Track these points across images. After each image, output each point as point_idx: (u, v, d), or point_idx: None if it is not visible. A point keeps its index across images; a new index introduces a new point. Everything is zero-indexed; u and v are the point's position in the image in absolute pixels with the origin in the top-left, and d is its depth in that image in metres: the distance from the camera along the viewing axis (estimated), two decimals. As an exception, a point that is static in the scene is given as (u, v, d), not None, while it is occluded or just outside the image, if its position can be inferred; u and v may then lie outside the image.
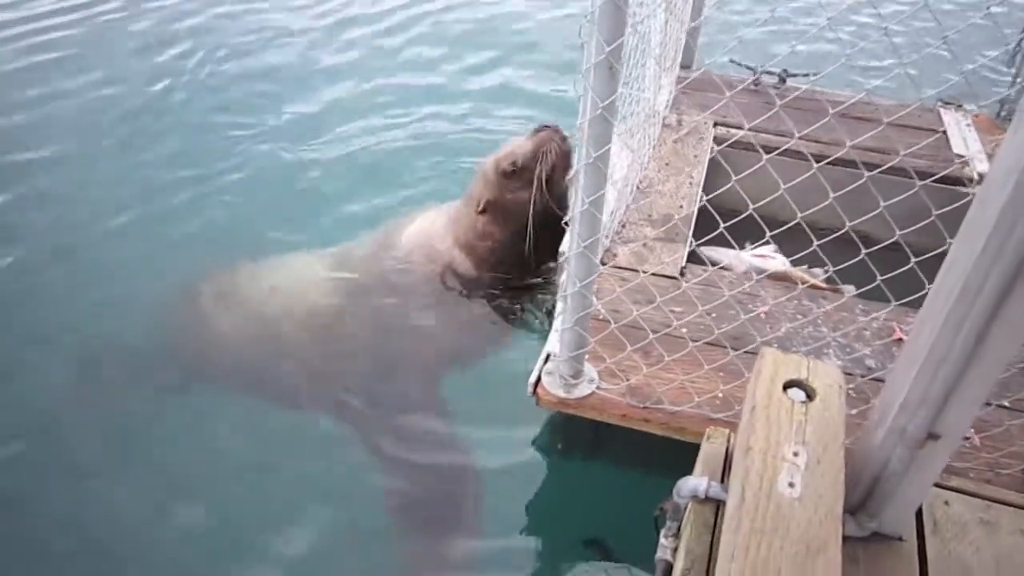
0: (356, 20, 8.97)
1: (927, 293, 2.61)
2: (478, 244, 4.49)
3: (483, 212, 4.44)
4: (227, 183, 6.06)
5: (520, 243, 4.41)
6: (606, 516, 3.80)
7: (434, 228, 4.66)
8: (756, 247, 4.28)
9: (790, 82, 5.67)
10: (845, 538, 1.86)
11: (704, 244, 3.27)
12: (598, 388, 3.38)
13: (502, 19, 9.21)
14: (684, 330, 3.51)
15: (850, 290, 3.90)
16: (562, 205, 4.35)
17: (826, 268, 2.88)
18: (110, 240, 5.35)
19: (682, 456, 3.29)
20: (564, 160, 4.34)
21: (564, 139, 4.34)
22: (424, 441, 3.99)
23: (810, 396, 2.10)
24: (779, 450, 1.94)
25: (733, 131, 5.22)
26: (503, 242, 4.48)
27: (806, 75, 5.68)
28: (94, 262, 5.16)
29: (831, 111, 2.77)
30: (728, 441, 2.51)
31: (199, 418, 4.19)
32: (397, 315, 4.43)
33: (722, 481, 2.34)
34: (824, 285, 4.21)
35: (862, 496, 2.19)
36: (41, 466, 3.90)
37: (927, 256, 2.67)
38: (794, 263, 4.08)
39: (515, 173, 4.34)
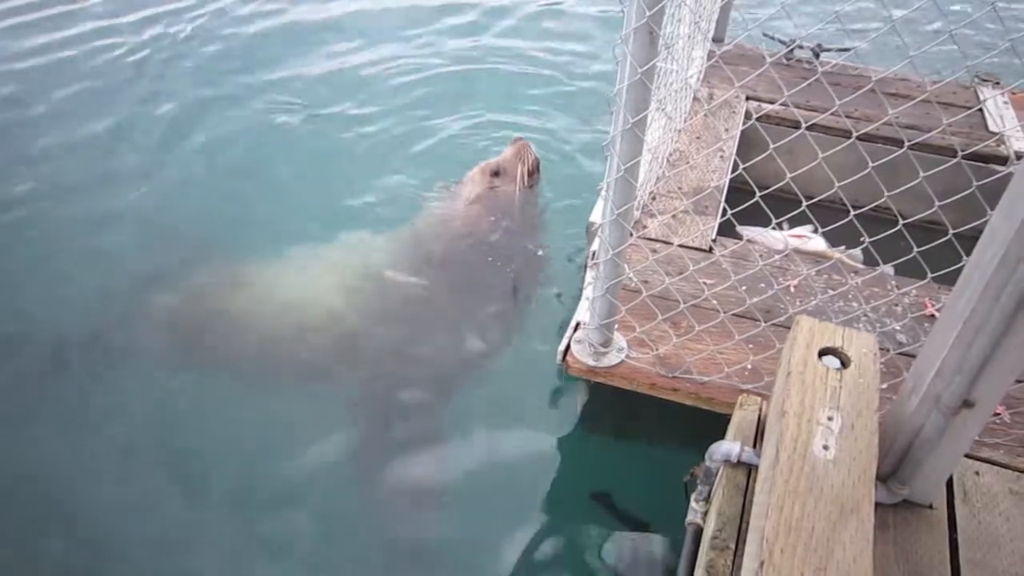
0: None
1: (960, 270, 2.63)
2: (469, 228, 5.24)
3: (473, 204, 5.36)
4: (247, 168, 6.10)
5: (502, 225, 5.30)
6: (628, 480, 3.84)
7: (432, 226, 5.31)
8: (787, 217, 4.28)
9: (824, 57, 5.62)
10: (876, 505, 1.87)
11: (739, 220, 3.25)
12: (627, 357, 3.40)
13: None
14: (715, 301, 3.51)
15: (889, 272, 3.89)
16: (533, 198, 5.56)
17: (862, 240, 2.86)
18: (125, 225, 5.36)
19: (704, 424, 3.32)
20: (536, 165, 5.62)
21: (533, 149, 5.61)
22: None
23: (844, 364, 2.11)
24: (814, 414, 1.95)
25: (765, 105, 5.19)
26: (489, 226, 5.27)
27: (841, 50, 5.63)
28: (111, 245, 5.17)
29: (866, 86, 2.77)
30: (760, 409, 2.53)
31: (198, 401, 4.20)
32: (420, 309, 4.76)
33: (754, 447, 2.36)
34: (862, 267, 4.20)
35: (894, 463, 2.21)
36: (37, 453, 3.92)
37: (961, 230, 2.67)
38: (824, 237, 4.09)
39: (499, 173, 5.47)
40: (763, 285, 3.64)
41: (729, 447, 2.32)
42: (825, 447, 1.89)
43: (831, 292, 3.68)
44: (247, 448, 3.98)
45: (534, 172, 5.55)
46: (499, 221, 5.28)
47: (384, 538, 3.66)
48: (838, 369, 2.09)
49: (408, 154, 6.37)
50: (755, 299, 3.46)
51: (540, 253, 5.18)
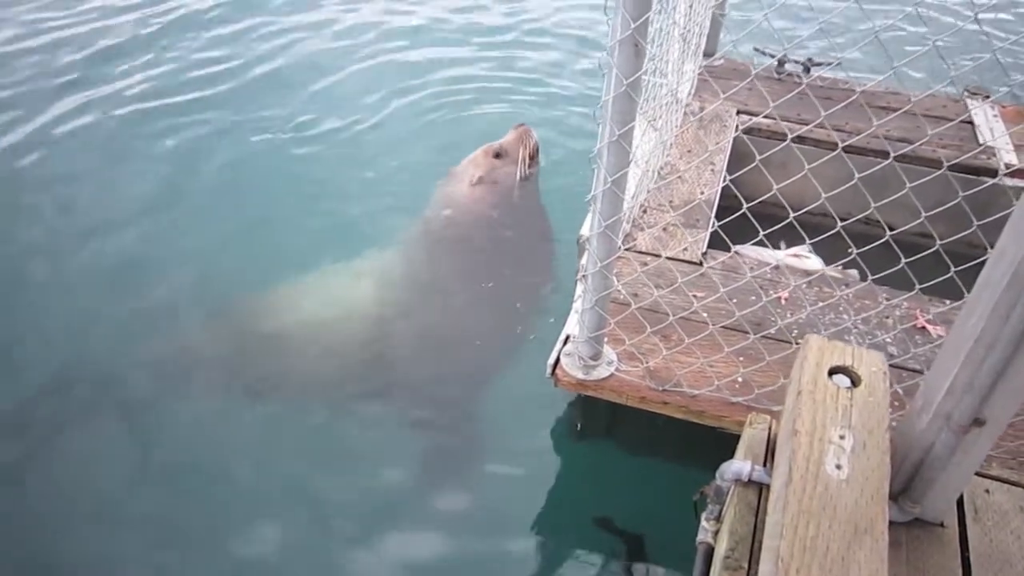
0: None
1: (950, 282, 2.61)
2: (474, 208, 5.45)
3: (475, 185, 5.50)
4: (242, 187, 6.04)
5: (504, 204, 5.52)
6: (625, 495, 3.82)
7: (440, 215, 5.45)
8: (773, 229, 4.27)
9: (815, 72, 5.61)
10: (889, 523, 1.86)
11: (733, 235, 3.22)
12: (617, 370, 3.36)
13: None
14: (704, 314, 3.49)
15: (888, 289, 3.87)
16: (533, 179, 5.73)
17: (849, 251, 2.84)
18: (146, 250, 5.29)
19: (698, 435, 3.30)
20: (536, 149, 5.80)
21: (534, 134, 5.82)
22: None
23: (855, 382, 2.11)
24: (825, 433, 1.96)
25: (756, 119, 5.18)
26: (492, 204, 5.48)
27: (831, 64, 5.64)
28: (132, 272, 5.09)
29: (857, 93, 2.76)
30: (770, 427, 2.52)
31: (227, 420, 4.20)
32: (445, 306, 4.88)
33: (764, 466, 2.36)
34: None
35: (905, 481, 2.21)
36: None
37: (949, 240, 2.66)
38: (821, 256, 4.08)
39: (501, 155, 5.64)
40: (753, 298, 3.62)
41: (740, 466, 2.31)
42: (838, 466, 1.89)
43: (821, 304, 3.66)
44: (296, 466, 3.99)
45: (535, 156, 5.72)
46: (504, 201, 5.47)
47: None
48: (848, 388, 2.09)
49: (407, 156, 6.43)
50: (745, 311, 3.44)
51: (546, 230, 5.37)
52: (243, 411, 4.22)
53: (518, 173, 5.59)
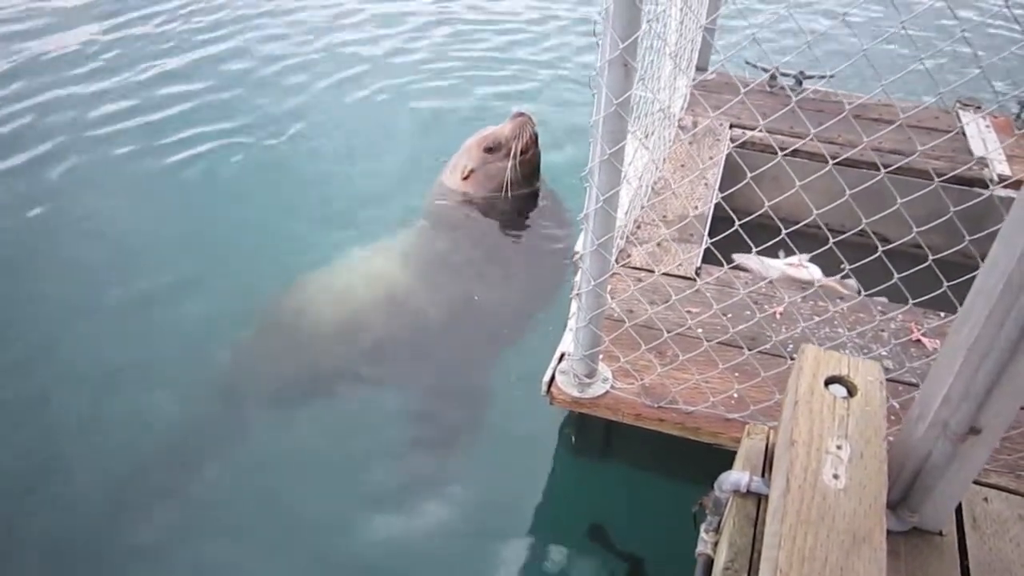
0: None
1: (945, 294, 2.60)
2: (466, 199, 5.59)
3: (466, 178, 5.54)
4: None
5: (497, 200, 5.57)
6: (624, 510, 3.81)
7: (439, 204, 5.64)
8: (768, 244, 4.28)
9: (807, 84, 5.62)
10: (887, 532, 1.87)
11: (732, 248, 3.22)
12: (612, 387, 3.34)
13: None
14: (699, 330, 3.48)
15: (883, 302, 3.85)
16: (527, 175, 5.58)
17: (842, 267, 2.82)
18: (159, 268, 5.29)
19: (693, 450, 3.28)
20: (534, 141, 5.48)
21: (534, 124, 5.48)
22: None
23: (851, 392, 2.11)
24: (822, 443, 1.96)
25: (749, 133, 5.19)
26: (484, 198, 5.57)
27: (823, 77, 5.64)
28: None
29: (847, 110, 2.77)
30: (767, 438, 2.51)
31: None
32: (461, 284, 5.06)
33: (762, 476, 2.35)
34: (854, 295, 4.17)
35: (903, 490, 2.20)
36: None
37: (945, 254, 2.65)
38: (820, 267, 4.07)
39: (493, 149, 5.48)
40: (748, 313, 3.60)
41: (738, 477, 2.30)
42: (835, 476, 1.89)
43: (816, 319, 3.64)
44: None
45: (528, 149, 5.45)
46: (494, 196, 5.51)
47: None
48: (845, 397, 2.09)
49: (408, 142, 6.64)
50: (740, 327, 3.42)
51: (532, 230, 5.48)
52: (295, 410, 4.33)
53: (509, 170, 5.43)
